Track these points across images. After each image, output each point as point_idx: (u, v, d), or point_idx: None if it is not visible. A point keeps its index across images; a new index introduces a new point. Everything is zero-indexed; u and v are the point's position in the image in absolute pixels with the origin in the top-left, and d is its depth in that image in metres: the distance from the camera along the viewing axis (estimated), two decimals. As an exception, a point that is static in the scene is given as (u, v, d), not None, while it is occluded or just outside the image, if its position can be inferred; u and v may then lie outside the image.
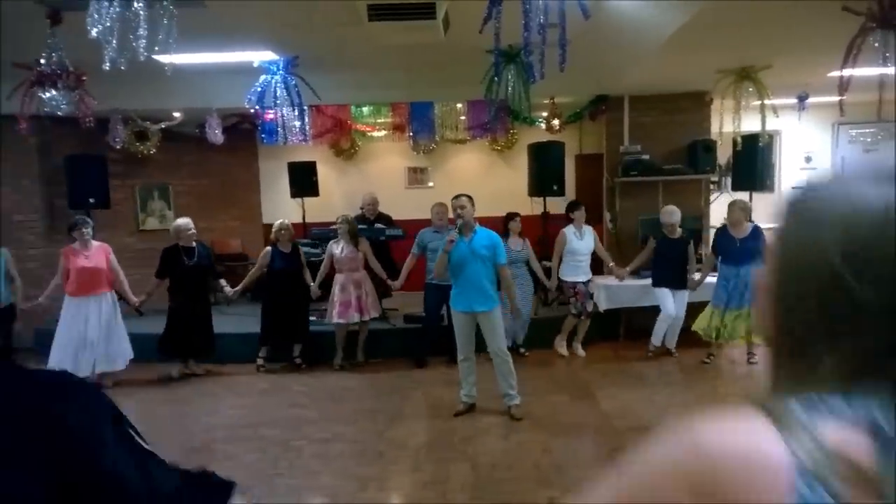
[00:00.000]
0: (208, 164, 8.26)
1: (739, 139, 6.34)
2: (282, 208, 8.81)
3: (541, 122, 7.90)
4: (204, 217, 7.41)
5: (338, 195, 8.95)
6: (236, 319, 6.77)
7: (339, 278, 6.02)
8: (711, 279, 5.89)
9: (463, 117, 8.04)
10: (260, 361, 6.14)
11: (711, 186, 7.42)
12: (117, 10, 3.06)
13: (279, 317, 6.03)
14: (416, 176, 9.38)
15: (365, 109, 8.07)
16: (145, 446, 1.11)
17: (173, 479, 1.11)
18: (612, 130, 7.25)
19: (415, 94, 7.19)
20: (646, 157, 6.98)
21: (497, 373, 4.67)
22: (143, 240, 7.26)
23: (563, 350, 6.30)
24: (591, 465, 3.79)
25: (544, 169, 7.11)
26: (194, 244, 5.89)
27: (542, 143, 7.29)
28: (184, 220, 5.92)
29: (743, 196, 6.79)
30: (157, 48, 3.25)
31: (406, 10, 4.11)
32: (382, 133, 8.51)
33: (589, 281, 6.20)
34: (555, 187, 7.09)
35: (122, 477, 1.02)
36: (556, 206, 7.49)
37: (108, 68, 3.18)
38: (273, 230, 6.19)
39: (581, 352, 6.32)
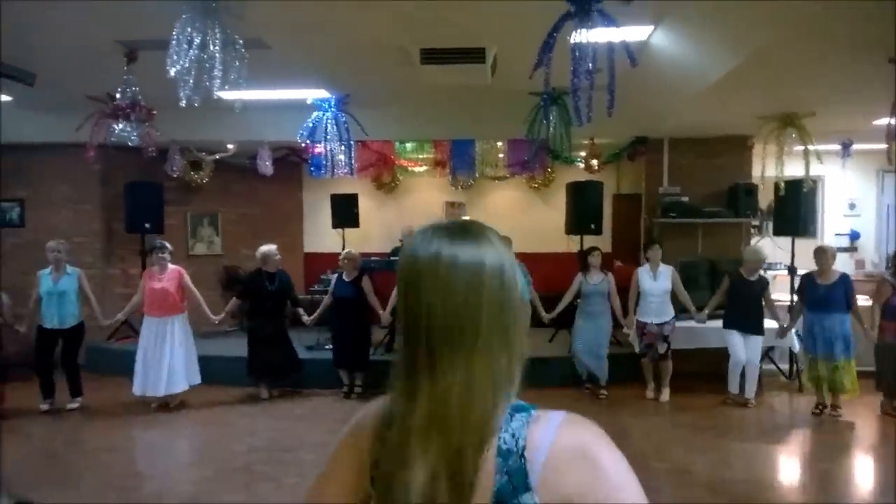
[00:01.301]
0: (255, 193, 8.60)
1: (783, 184, 6.30)
2: (323, 238, 9.08)
3: (580, 161, 8.01)
4: (249, 244, 7.68)
5: (377, 227, 9.17)
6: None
7: None
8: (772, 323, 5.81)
9: (502, 155, 8.23)
10: (345, 389, 6.23)
11: (752, 230, 7.36)
12: (195, 52, 3.32)
13: (343, 344, 6.15)
14: (454, 210, 9.55)
15: (408, 145, 8.32)
16: None
17: None
18: (651, 171, 7.31)
19: (457, 131, 7.41)
20: (685, 199, 7.00)
21: None
22: (192, 264, 7.53)
23: (649, 393, 6.13)
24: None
25: (582, 207, 7.19)
26: (276, 270, 6.09)
27: (580, 182, 7.39)
28: (270, 247, 6.13)
29: (786, 241, 6.74)
30: (227, 87, 3.49)
31: (457, 54, 4.32)
32: (423, 168, 8.74)
33: (664, 323, 5.98)
34: (592, 226, 7.14)
35: None
36: (594, 244, 7.52)
37: (183, 106, 3.42)
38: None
39: (654, 394, 6.09)
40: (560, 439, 0.79)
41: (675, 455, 4.64)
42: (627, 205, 8.27)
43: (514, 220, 9.00)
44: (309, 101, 5.98)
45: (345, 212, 8.40)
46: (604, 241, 8.22)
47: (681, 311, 6.13)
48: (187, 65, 3.31)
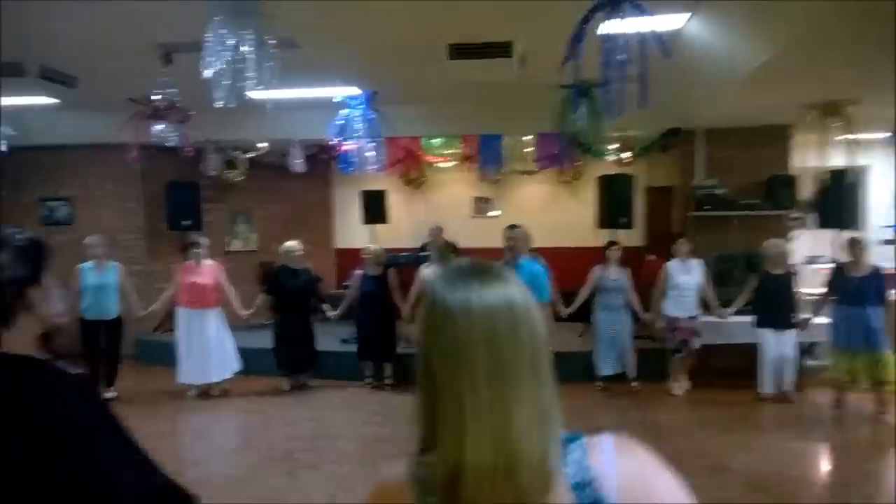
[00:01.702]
0: (287, 191, 8.75)
1: (826, 175, 6.09)
2: (353, 234, 9.18)
3: (610, 154, 7.90)
4: (283, 240, 7.76)
5: (406, 222, 9.23)
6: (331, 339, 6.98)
7: None
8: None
9: (530, 149, 8.17)
10: (369, 381, 6.36)
11: (792, 223, 7.15)
12: (229, 54, 3.39)
13: (368, 337, 6.26)
14: (482, 205, 9.54)
15: (436, 141, 8.34)
16: (134, 444, 1.23)
17: (156, 481, 1.21)
18: (685, 164, 7.15)
19: (485, 126, 7.39)
20: (720, 191, 6.83)
21: None
22: (230, 260, 7.71)
23: (676, 390, 6.03)
24: None
25: (613, 201, 7.08)
26: (300, 267, 6.20)
27: (611, 175, 7.29)
28: (291, 243, 6.27)
29: (827, 234, 6.52)
30: (260, 87, 3.56)
31: (485, 49, 4.31)
32: (451, 164, 8.75)
33: (695, 317, 5.91)
34: (623, 220, 7.03)
35: (115, 474, 1.12)
36: (625, 238, 7.43)
37: (218, 106, 3.50)
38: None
39: (677, 390, 6.02)
40: (622, 465, 0.80)
41: (712, 452, 4.55)
42: (660, 198, 8.11)
43: (542, 215, 8.94)
44: (338, 99, 6.04)
45: (374, 208, 8.48)
46: (636, 236, 8.12)
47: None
48: (223, 66, 3.38)
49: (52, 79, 5.08)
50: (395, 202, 9.11)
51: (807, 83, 4.97)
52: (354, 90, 5.97)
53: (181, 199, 7.41)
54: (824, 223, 6.67)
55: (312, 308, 6.35)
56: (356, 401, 5.97)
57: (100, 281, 5.75)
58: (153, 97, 4.89)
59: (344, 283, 8.03)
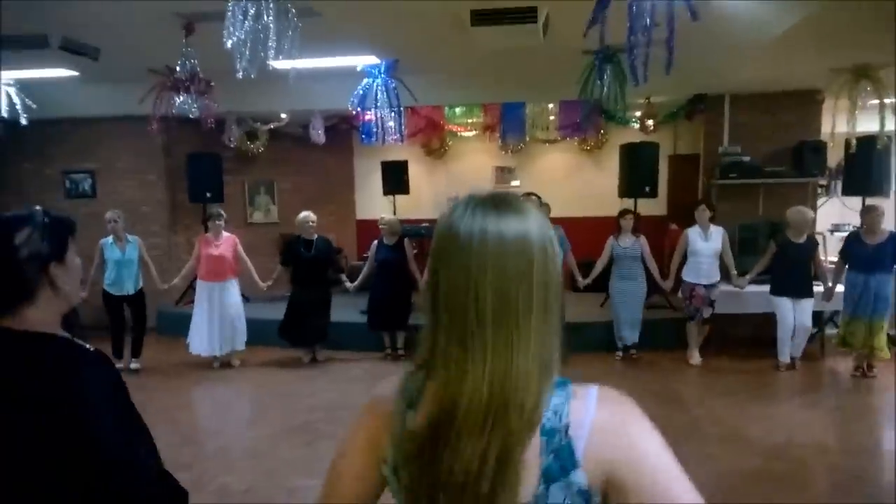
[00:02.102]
0: (309, 162, 8.78)
1: (854, 141, 5.94)
2: (374, 205, 9.21)
3: (634, 122, 7.76)
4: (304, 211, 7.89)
5: (427, 193, 9.22)
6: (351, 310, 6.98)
7: None
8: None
9: (553, 117, 8.06)
10: (387, 350, 6.45)
11: (819, 191, 7.00)
12: (250, 23, 3.38)
13: (381, 306, 6.31)
14: (503, 175, 9.48)
15: (457, 110, 8.26)
16: (139, 422, 1.27)
17: (156, 466, 1.25)
18: (711, 130, 7.01)
19: (507, 94, 7.29)
20: (746, 158, 6.69)
21: None
22: (250, 232, 7.82)
23: (694, 359, 6.02)
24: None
25: (637, 170, 6.99)
26: (314, 237, 6.24)
27: (634, 143, 7.17)
28: (304, 213, 6.28)
29: (855, 201, 6.39)
30: (281, 57, 3.56)
31: (508, 14, 4.23)
32: (473, 133, 8.68)
33: (711, 286, 5.88)
34: (647, 189, 6.95)
35: (125, 448, 1.17)
36: (648, 207, 7.36)
37: (240, 76, 3.51)
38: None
39: (696, 359, 6.01)
40: (599, 414, 0.79)
41: (727, 420, 4.58)
42: (685, 166, 7.98)
43: (565, 184, 8.88)
44: (359, 69, 5.99)
45: (395, 179, 8.49)
46: (660, 205, 8.03)
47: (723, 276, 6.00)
48: (243, 36, 3.38)
49: (73, 50, 5.10)
50: (416, 173, 9.08)
51: (837, 46, 4.81)
52: (375, 59, 5.92)
53: (202, 170, 7.46)
54: (850, 190, 6.53)
55: (332, 279, 6.40)
56: (376, 371, 6.05)
57: (121, 256, 5.84)
58: (175, 68, 4.89)
59: (364, 255, 8.11)
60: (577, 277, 5.98)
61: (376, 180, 8.87)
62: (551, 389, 0.80)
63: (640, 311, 6.07)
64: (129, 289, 5.93)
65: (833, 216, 7.30)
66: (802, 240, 5.61)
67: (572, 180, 9.03)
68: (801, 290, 5.60)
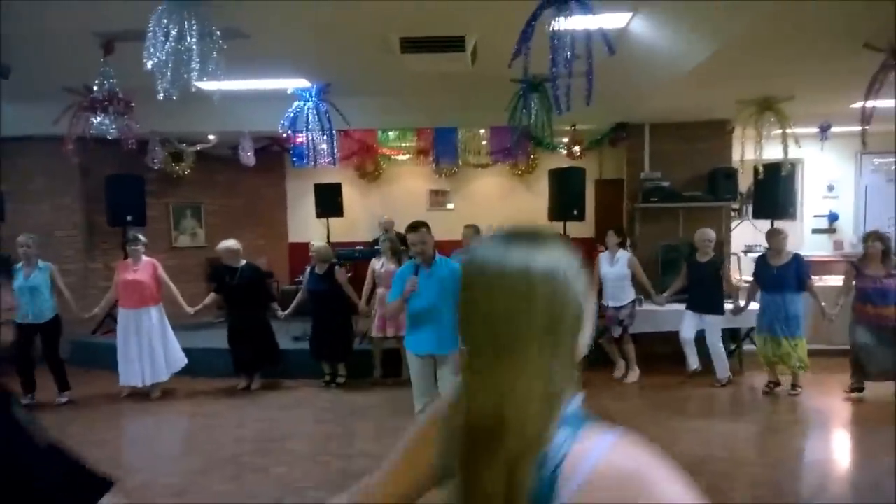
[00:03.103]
0: (239, 184, 8.55)
1: (761, 167, 6.40)
2: (308, 227, 9.06)
3: (562, 147, 8.04)
4: (233, 235, 7.57)
5: (361, 215, 9.17)
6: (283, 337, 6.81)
7: (379, 293, 6.10)
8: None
9: (485, 142, 8.23)
10: (326, 378, 6.31)
11: (732, 214, 7.47)
12: (171, 44, 3.28)
13: (322, 337, 6.19)
14: (438, 198, 9.57)
15: (391, 134, 8.29)
16: (34, 431, 1.24)
17: (58, 467, 1.23)
18: (633, 157, 7.38)
19: (440, 119, 7.40)
20: (666, 183, 7.08)
21: None
22: (176, 256, 7.50)
23: (617, 373, 6.31)
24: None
25: (565, 194, 7.23)
26: (241, 263, 6.06)
27: (562, 168, 7.43)
28: (226, 243, 6.11)
29: (765, 224, 6.85)
30: (206, 78, 3.47)
31: (437, 42, 4.32)
32: (407, 156, 8.73)
33: (620, 307, 6.15)
34: (575, 212, 7.19)
35: (22, 468, 1.13)
36: (577, 229, 7.61)
37: (161, 98, 3.40)
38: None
39: (631, 377, 6.24)
40: (610, 459, 0.78)
41: (652, 435, 4.72)
42: (610, 190, 8.34)
43: (498, 207, 9.05)
44: (290, 91, 5.93)
45: (329, 201, 8.39)
46: (587, 228, 8.31)
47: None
48: (164, 57, 3.28)
49: (-19, 68, 4.78)
50: (350, 195, 9.03)
51: (744, 80, 5.19)
52: (305, 82, 5.87)
53: (122, 193, 7.12)
54: (760, 213, 7.01)
55: (263, 305, 6.25)
56: (308, 399, 5.91)
57: (29, 283, 5.47)
58: (92, 88, 4.67)
59: (296, 279, 7.93)
60: None
61: (309, 202, 8.74)
62: (560, 421, 0.81)
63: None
64: (39, 317, 5.53)
65: (747, 238, 7.79)
66: (707, 259, 5.99)
67: (505, 203, 9.22)
68: (707, 306, 5.94)
